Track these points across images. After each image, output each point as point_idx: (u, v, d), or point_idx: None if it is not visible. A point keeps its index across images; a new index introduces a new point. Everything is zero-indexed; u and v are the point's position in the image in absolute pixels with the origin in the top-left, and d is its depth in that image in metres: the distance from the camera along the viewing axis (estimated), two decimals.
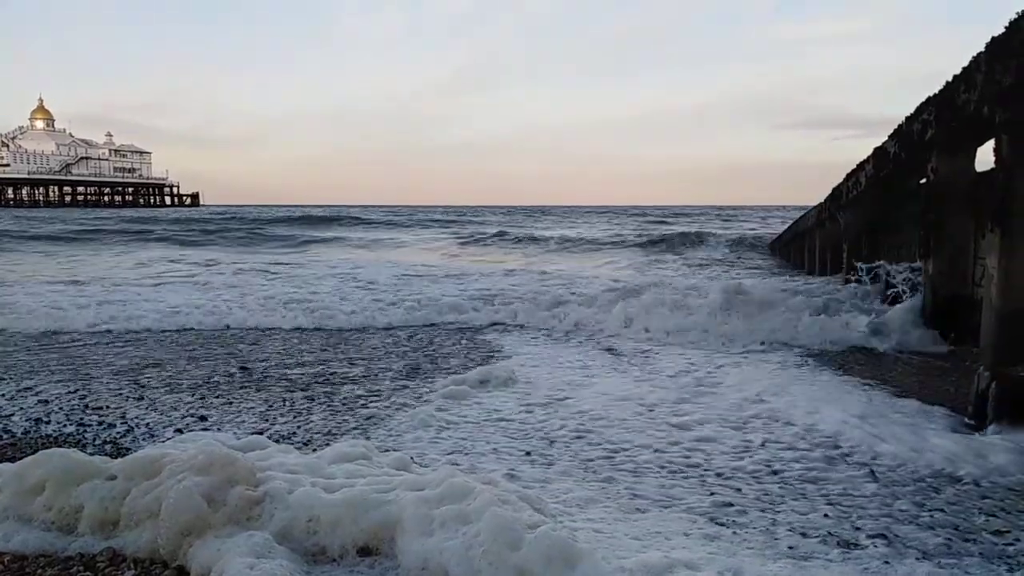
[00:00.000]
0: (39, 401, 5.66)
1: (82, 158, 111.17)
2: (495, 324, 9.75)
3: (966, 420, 4.88)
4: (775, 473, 4.03)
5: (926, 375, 6.44)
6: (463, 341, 8.52)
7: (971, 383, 5.02)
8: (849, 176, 11.36)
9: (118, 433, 4.84)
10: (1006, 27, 4.95)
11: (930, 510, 3.46)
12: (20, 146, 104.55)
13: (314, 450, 4.20)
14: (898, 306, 7.93)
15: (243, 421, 5.14)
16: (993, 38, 5.17)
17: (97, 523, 3.11)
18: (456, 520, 2.86)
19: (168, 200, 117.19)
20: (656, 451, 4.41)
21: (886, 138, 8.93)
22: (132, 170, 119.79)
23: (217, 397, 5.83)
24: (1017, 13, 4.83)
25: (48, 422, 5.09)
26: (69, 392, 5.95)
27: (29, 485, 3.27)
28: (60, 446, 4.04)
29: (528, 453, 4.40)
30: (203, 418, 5.22)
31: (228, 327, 9.58)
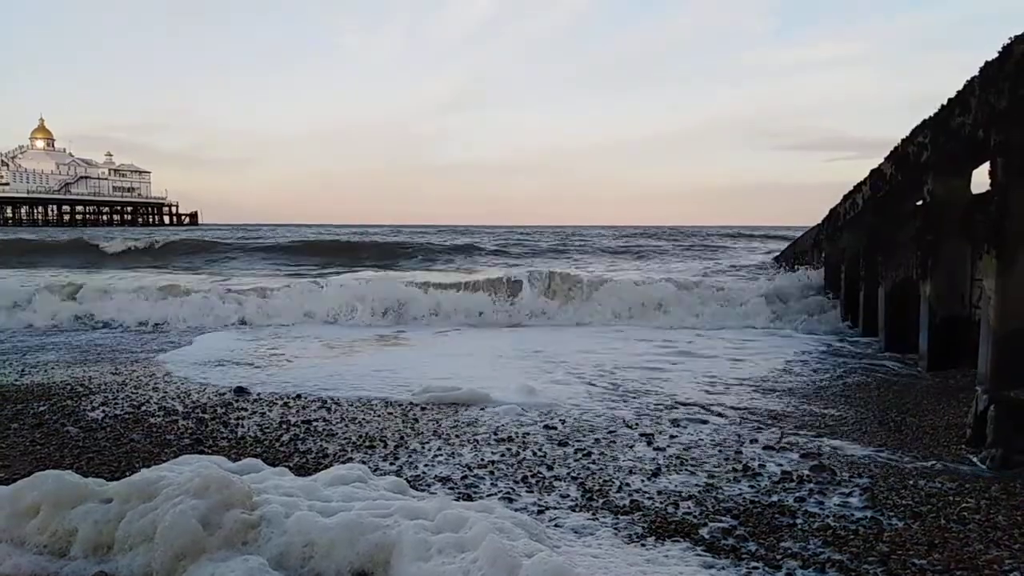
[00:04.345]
0: None
1: (81, 177, 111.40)
2: None
3: (963, 445, 4.86)
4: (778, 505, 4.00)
5: None
6: None
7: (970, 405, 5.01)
8: (846, 198, 11.42)
9: None
10: (999, 51, 5.01)
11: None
12: (20, 165, 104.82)
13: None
14: None
15: None
16: (987, 62, 5.23)
17: (91, 546, 3.08)
18: (454, 546, 2.84)
19: (167, 219, 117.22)
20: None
21: (883, 160, 8.99)
22: (131, 189, 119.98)
23: None
24: (1010, 38, 4.89)
25: None
26: None
27: (22, 507, 3.24)
28: None
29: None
30: None
31: None
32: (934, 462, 4.57)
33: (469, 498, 3.93)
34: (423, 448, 4.97)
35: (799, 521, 3.63)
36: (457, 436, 5.27)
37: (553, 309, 12.88)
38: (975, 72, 5.50)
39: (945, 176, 7.03)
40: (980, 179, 6.40)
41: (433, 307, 12.75)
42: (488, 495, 4.02)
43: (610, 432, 5.37)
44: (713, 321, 12.00)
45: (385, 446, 5.02)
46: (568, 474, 4.41)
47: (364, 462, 4.51)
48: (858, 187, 10.45)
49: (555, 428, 5.48)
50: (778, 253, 25.66)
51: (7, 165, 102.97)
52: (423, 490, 4.02)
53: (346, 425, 5.59)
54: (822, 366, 8.30)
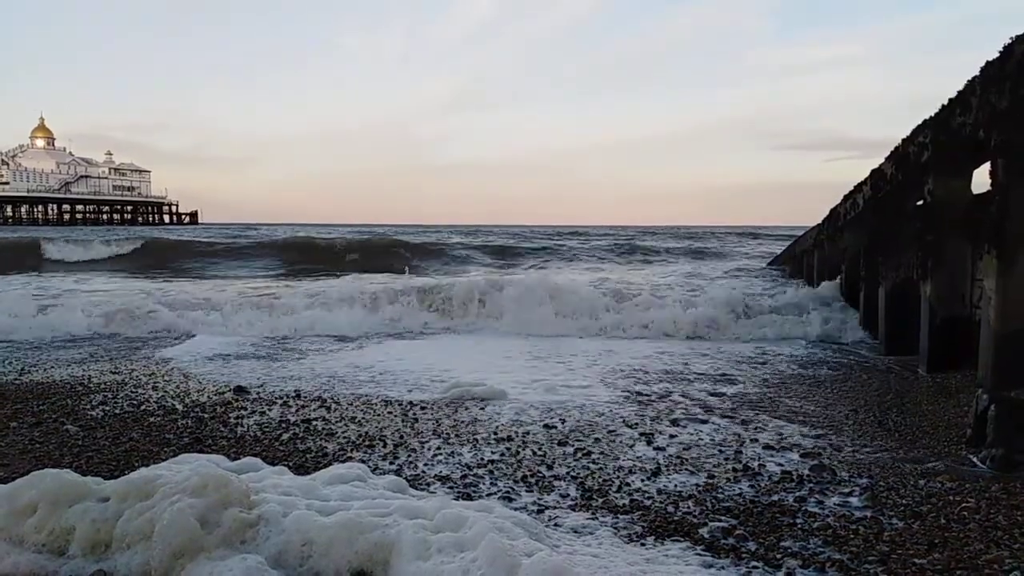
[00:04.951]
0: None
1: (81, 176, 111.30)
2: None
3: (964, 445, 4.85)
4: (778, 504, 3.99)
5: None
6: None
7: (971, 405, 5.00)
8: (847, 197, 11.42)
9: None
10: (1000, 51, 5.01)
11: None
12: (20, 164, 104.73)
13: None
14: None
15: None
16: (988, 62, 5.23)
17: (89, 545, 3.07)
18: (453, 546, 2.83)
19: (167, 218, 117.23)
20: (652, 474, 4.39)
21: (883, 160, 8.98)
22: (131, 188, 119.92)
23: None
24: (1011, 38, 4.89)
25: None
26: None
27: (20, 506, 3.23)
28: None
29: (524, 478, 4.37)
30: None
31: None
32: (934, 462, 4.56)
33: (469, 497, 3.92)
34: (423, 447, 4.96)
35: (799, 521, 3.62)
36: (457, 435, 5.26)
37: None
38: (975, 72, 5.50)
39: (946, 176, 7.02)
40: (981, 179, 6.39)
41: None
42: (487, 494, 4.01)
43: (610, 432, 5.37)
44: (719, 332, 11.46)
45: (384, 445, 5.01)
46: (568, 473, 4.40)
47: (363, 461, 4.50)
48: (859, 187, 10.45)
49: (555, 427, 5.48)
50: (773, 257, 25.62)
51: (7, 164, 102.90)
52: (422, 489, 4.02)
53: (345, 424, 5.58)
54: (822, 367, 8.30)
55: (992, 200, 5.19)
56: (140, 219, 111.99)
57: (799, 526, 3.55)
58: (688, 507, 3.83)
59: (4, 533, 3.16)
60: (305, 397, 6.54)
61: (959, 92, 5.98)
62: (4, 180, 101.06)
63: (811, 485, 4.15)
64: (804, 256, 17.32)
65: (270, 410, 6.03)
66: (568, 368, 8.14)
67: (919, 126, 7.34)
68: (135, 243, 29.29)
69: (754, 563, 3.14)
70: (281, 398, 6.49)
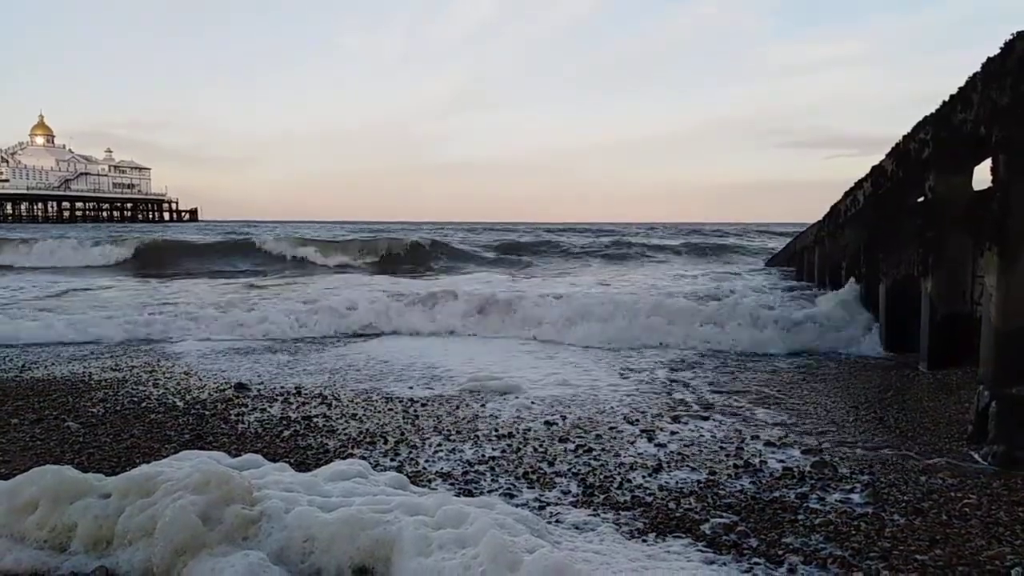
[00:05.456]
0: None
1: (81, 174, 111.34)
2: None
3: (965, 441, 4.85)
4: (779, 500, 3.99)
5: None
6: None
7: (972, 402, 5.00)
8: (847, 194, 11.40)
9: None
10: (1002, 47, 4.99)
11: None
12: (20, 162, 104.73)
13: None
14: None
15: None
16: (989, 58, 5.21)
17: (90, 541, 3.07)
18: (454, 542, 2.83)
19: (167, 216, 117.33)
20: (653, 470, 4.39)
21: (884, 156, 8.97)
22: (131, 186, 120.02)
23: None
24: (1013, 34, 4.87)
25: None
26: None
27: (21, 503, 3.24)
28: None
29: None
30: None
31: None
32: (936, 458, 4.56)
33: (470, 494, 3.93)
34: (424, 444, 4.96)
35: (801, 517, 3.62)
36: (458, 432, 5.27)
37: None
38: (975, 70, 5.49)
39: (947, 173, 7.01)
40: (982, 176, 6.37)
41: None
42: (489, 491, 4.02)
43: (611, 428, 5.37)
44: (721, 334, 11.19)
45: (385, 442, 5.02)
46: (569, 470, 4.40)
47: (364, 458, 4.50)
48: (859, 183, 10.44)
49: (556, 424, 5.48)
50: (770, 257, 25.58)
51: (7, 161, 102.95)
52: (424, 486, 4.02)
53: (347, 421, 5.58)
54: (822, 364, 8.29)
55: (993, 197, 5.17)
56: (140, 216, 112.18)
57: (801, 522, 3.55)
58: (690, 503, 3.84)
59: (5, 530, 3.17)
60: (306, 394, 6.54)
61: (960, 88, 5.97)
62: (4, 178, 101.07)
63: (812, 481, 4.15)
64: (804, 253, 17.32)
65: (271, 407, 6.03)
66: (572, 366, 8.13)
67: (920, 123, 7.32)
68: (134, 244, 29.31)
69: (756, 559, 3.15)
70: (282, 395, 6.49)
